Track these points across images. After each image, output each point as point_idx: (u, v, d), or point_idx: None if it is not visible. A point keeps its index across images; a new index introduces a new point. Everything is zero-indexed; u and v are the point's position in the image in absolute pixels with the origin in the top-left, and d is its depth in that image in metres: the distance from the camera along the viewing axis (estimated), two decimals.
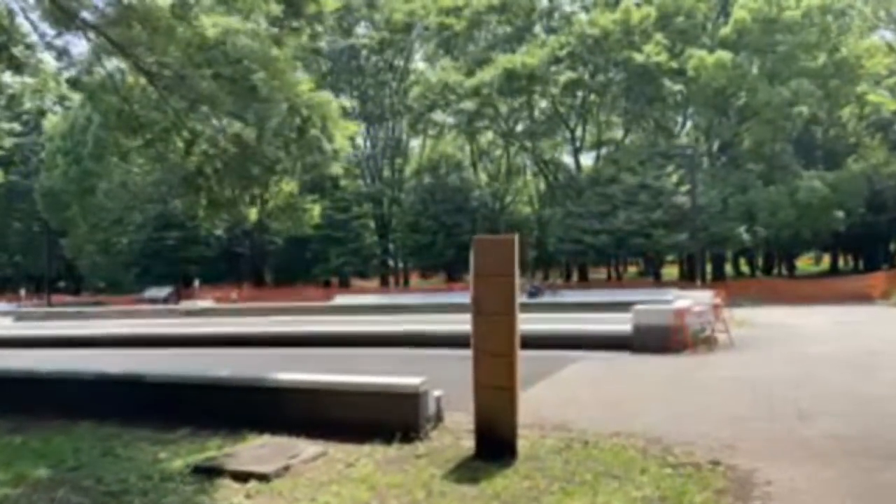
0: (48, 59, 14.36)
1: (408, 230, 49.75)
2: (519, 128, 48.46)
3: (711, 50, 38.75)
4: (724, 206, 38.33)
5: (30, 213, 51.99)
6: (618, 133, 49.55)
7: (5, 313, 28.01)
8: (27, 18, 11.24)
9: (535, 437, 6.57)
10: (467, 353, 6.14)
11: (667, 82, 41.09)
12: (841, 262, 60.40)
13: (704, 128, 44.50)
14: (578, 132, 47.51)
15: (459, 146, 55.77)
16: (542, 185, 54.42)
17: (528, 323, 10.91)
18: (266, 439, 6.63)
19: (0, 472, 5.85)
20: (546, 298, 29.51)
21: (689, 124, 48.10)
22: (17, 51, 11.11)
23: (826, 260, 64.07)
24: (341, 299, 31.10)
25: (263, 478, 5.40)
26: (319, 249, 48.02)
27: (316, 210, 40.66)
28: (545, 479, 5.32)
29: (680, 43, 41.39)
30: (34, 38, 11.49)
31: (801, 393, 8.62)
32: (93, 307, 33.26)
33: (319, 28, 13.28)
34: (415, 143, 57.36)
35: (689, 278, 40.05)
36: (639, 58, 39.37)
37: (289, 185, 30.01)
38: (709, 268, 43.03)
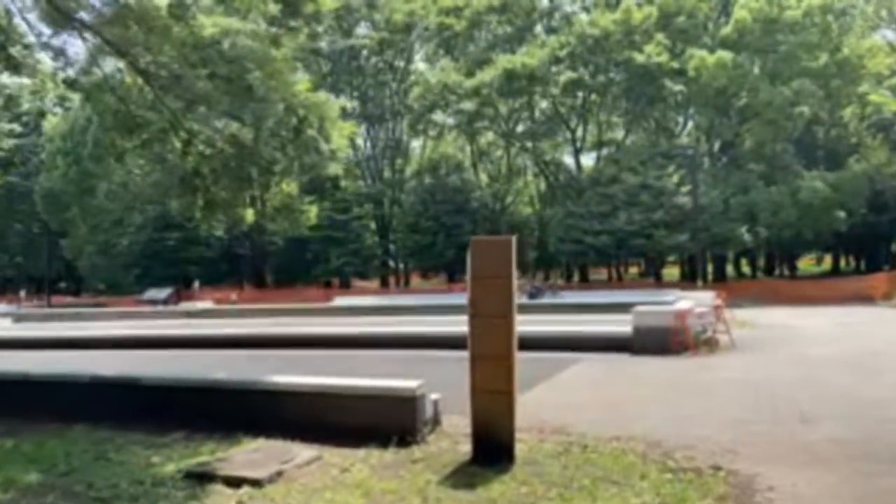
0: (46, 60, 14.34)
1: (408, 231, 49.68)
2: (519, 128, 48.42)
3: (712, 50, 38.68)
4: (725, 207, 38.24)
5: (30, 214, 51.96)
6: (619, 133, 49.47)
7: (4, 314, 27.97)
8: (23, 19, 11.21)
9: (534, 441, 6.49)
10: (467, 354, 6.06)
11: (668, 82, 40.99)
12: (843, 263, 60.25)
13: (705, 128, 44.43)
14: (579, 132, 47.44)
15: (460, 147, 55.73)
16: (543, 186, 54.35)
17: (528, 324, 10.85)
18: (261, 443, 6.54)
19: None
20: (546, 299, 29.43)
21: (690, 124, 48.03)
22: (15, 51, 11.05)
23: (828, 260, 63.91)
24: (341, 300, 31.02)
25: (256, 483, 5.31)
26: (320, 250, 47.96)
27: (313, 211, 40.51)
28: (543, 484, 5.23)
29: (681, 43, 41.32)
30: (31, 38, 11.46)
31: (803, 395, 8.53)
32: (93, 308, 33.23)
33: (318, 28, 13.22)
34: (415, 144, 57.38)
35: (690, 279, 39.94)
36: (640, 58, 39.30)
37: (289, 187, 29.95)
38: (710, 268, 42.94)
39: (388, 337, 15.28)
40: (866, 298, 28.54)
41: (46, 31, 11.18)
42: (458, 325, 10.27)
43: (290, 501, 5.03)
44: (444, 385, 7.30)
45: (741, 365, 11.51)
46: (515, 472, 5.56)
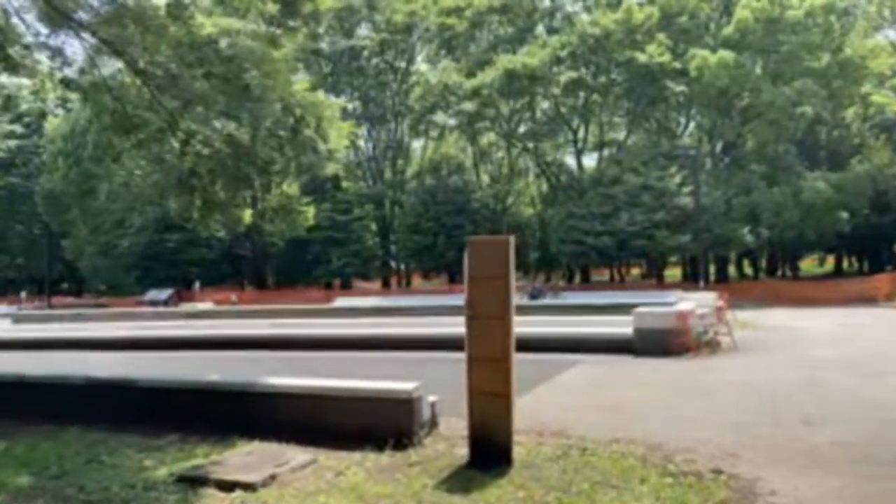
0: (45, 61, 14.27)
1: (409, 232, 49.57)
2: (521, 129, 48.30)
3: (714, 50, 38.55)
4: (727, 208, 38.10)
5: (31, 215, 51.92)
6: (620, 134, 49.33)
7: (3, 315, 27.95)
8: (21, 19, 11.14)
9: (532, 444, 6.40)
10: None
11: (669, 83, 40.86)
12: (845, 264, 59.98)
13: (707, 128, 44.29)
14: (580, 133, 47.31)
15: (461, 147, 55.61)
16: (544, 187, 54.23)
17: (528, 325, 10.78)
18: (255, 446, 6.46)
19: None
20: (547, 300, 29.36)
21: (691, 125, 47.89)
22: (14, 51, 10.99)
23: (830, 261, 63.69)
24: (342, 301, 31.01)
25: (249, 487, 5.23)
26: (321, 251, 47.90)
27: (311, 212, 40.39)
28: (540, 488, 5.14)
29: (683, 43, 41.17)
30: (29, 38, 11.40)
31: (806, 398, 8.44)
32: (93, 309, 33.23)
33: (317, 28, 13.16)
34: (416, 145, 57.33)
35: (692, 280, 39.80)
36: (641, 58, 39.18)
37: (290, 188, 29.85)
38: (712, 269, 42.82)
39: (389, 338, 15.22)
40: (869, 299, 28.42)
41: (44, 30, 11.16)
42: (458, 326, 10.21)
43: None
44: (443, 387, 7.21)
45: (743, 367, 11.41)
46: (513, 475, 5.47)
